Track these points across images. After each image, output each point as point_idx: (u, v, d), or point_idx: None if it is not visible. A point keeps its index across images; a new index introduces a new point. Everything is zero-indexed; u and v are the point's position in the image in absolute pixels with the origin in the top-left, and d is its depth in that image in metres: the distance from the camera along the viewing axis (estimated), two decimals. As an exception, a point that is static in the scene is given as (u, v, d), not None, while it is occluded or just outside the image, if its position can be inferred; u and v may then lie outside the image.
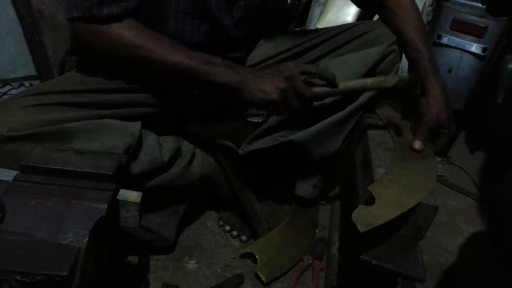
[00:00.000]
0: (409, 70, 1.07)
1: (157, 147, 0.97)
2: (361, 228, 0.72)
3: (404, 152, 0.97)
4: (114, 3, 0.87)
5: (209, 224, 1.26)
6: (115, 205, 0.71)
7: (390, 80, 0.95)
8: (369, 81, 0.96)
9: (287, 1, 2.17)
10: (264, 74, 0.92)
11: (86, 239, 0.62)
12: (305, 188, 1.19)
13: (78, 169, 0.70)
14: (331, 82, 0.93)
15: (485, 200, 1.53)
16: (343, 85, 0.95)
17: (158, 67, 0.91)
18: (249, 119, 1.24)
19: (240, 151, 1.20)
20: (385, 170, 0.92)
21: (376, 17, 1.52)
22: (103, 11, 0.87)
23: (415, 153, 0.96)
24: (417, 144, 0.95)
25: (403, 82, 0.94)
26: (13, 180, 0.67)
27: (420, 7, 1.83)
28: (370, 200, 0.80)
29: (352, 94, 1.06)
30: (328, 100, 1.03)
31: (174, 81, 0.97)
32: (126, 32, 0.89)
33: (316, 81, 0.95)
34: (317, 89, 0.94)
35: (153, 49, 0.90)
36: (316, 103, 0.98)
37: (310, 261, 1.15)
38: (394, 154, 0.97)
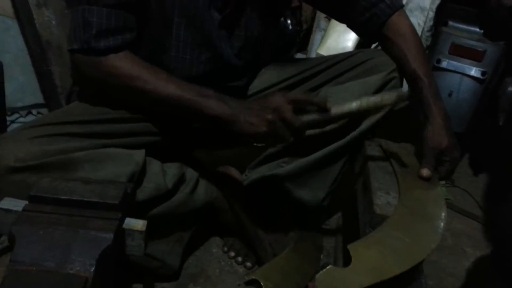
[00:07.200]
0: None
1: (161, 174, 0.98)
2: None
3: (408, 187, 0.91)
4: (111, 35, 0.90)
5: (214, 251, 1.26)
6: (121, 234, 0.72)
7: (387, 98, 0.89)
8: (364, 101, 0.90)
9: (289, 27, 2.22)
10: (252, 106, 0.93)
11: (93, 269, 0.63)
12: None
13: (85, 199, 0.71)
14: (321, 107, 0.92)
15: (489, 223, 1.52)
16: (336, 109, 0.91)
17: (151, 98, 0.93)
18: (253, 144, 1.26)
19: (244, 177, 1.20)
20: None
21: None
22: (100, 44, 0.90)
23: (421, 190, 0.91)
24: (425, 172, 0.93)
25: (402, 99, 0.89)
26: (23, 210, 0.69)
27: (419, 32, 1.87)
28: (347, 261, 0.69)
29: (347, 118, 1.03)
30: (328, 127, 1.02)
31: (168, 112, 0.99)
32: (122, 63, 0.92)
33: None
34: (307, 117, 0.91)
35: (148, 81, 0.92)
36: (316, 132, 0.98)
37: None
38: (398, 194, 0.90)
